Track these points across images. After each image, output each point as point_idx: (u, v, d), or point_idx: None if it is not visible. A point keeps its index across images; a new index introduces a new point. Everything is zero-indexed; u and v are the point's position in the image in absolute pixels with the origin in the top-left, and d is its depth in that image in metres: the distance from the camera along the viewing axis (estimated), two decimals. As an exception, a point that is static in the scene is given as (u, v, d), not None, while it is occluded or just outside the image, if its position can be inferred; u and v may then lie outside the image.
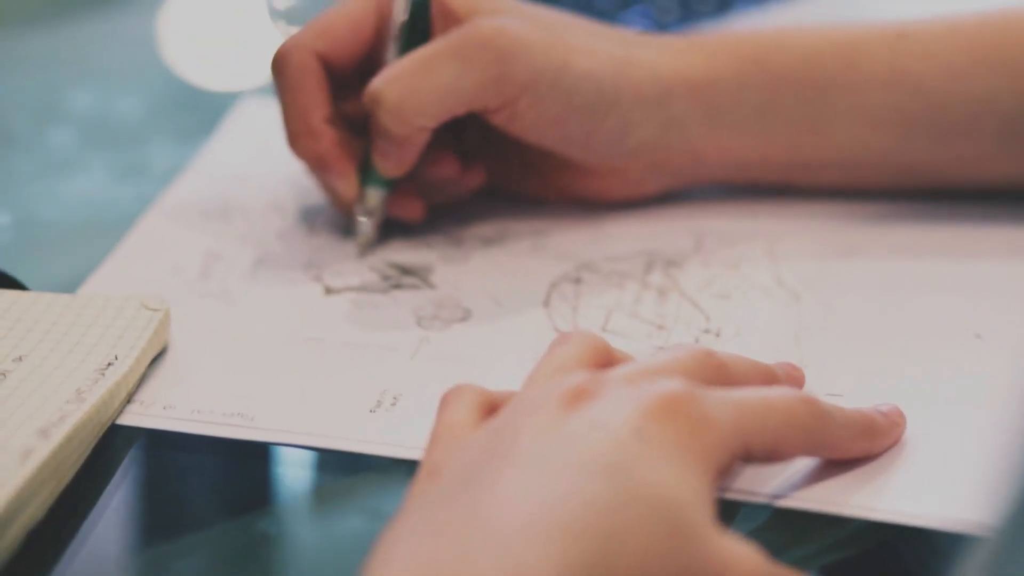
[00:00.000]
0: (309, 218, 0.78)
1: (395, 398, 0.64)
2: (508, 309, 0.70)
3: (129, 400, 0.64)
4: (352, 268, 0.73)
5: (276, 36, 1.02)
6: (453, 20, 0.72)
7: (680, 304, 0.70)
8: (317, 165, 0.73)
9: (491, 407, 0.57)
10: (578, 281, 0.72)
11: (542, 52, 0.70)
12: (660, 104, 0.73)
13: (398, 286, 0.72)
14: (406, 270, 0.73)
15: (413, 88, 0.70)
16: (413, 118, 0.70)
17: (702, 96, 0.73)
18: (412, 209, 0.75)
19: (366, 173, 0.73)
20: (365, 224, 0.74)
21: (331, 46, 0.73)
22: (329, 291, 0.72)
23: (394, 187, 0.74)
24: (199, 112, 0.94)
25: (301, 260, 0.74)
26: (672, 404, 0.52)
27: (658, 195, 0.77)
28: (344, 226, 0.76)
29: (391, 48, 0.73)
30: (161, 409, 0.64)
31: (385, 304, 0.71)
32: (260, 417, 0.63)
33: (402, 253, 0.75)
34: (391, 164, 0.72)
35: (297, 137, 0.73)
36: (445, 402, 0.57)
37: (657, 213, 0.77)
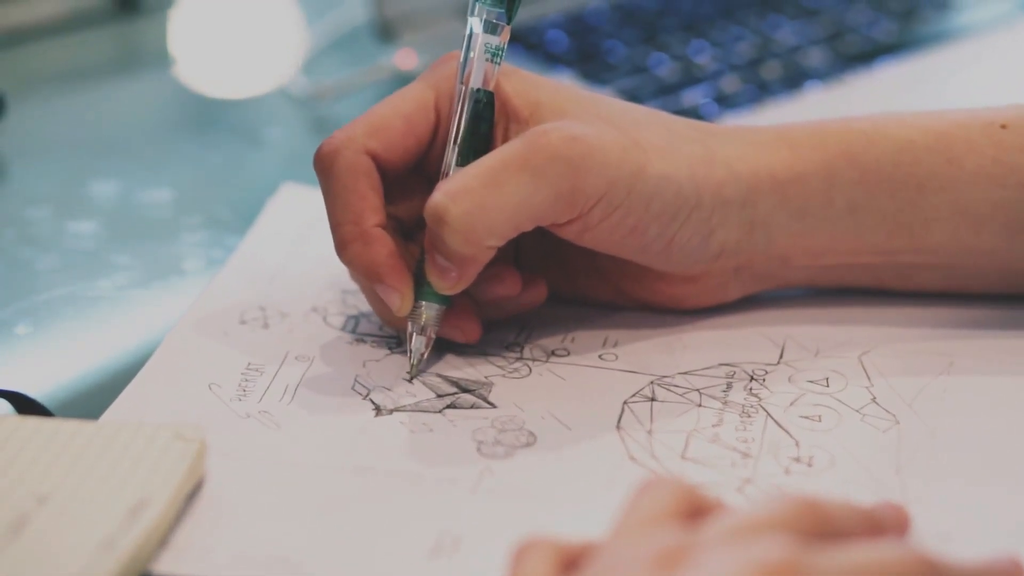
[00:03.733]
0: (353, 322, 0.72)
1: (456, 540, 0.58)
2: (577, 433, 0.64)
3: (162, 543, 0.58)
4: (402, 384, 0.67)
5: (290, 122, 0.98)
6: (516, 120, 0.66)
7: (766, 427, 0.64)
8: (369, 276, 0.67)
9: (569, 562, 0.52)
10: (652, 399, 0.66)
11: (617, 159, 0.64)
12: (743, 204, 0.67)
13: (453, 405, 0.66)
14: (463, 387, 0.67)
15: (481, 205, 0.63)
16: (482, 238, 0.64)
17: (788, 194, 0.67)
18: (468, 331, 0.69)
19: (419, 286, 0.67)
20: (419, 343, 0.67)
21: (384, 145, 0.67)
22: (379, 411, 0.66)
23: (450, 303, 0.68)
24: (231, 199, 0.89)
25: (347, 374, 0.68)
26: (775, 575, 0.47)
27: (738, 300, 0.71)
28: (388, 331, 0.71)
29: (450, 149, 0.67)
30: (198, 554, 0.58)
31: (440, 426, 0.65)
32: (308, 563, 0.57)
33: (457, 367, 0.69)
34: (449, 283, 0.65)
35: (347, 245, 0.67)
36: (518, 558, 0.52)
37: (733, 318, 0.71)
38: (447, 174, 0.66)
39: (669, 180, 0.65)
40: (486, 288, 0.68)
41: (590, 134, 0.64)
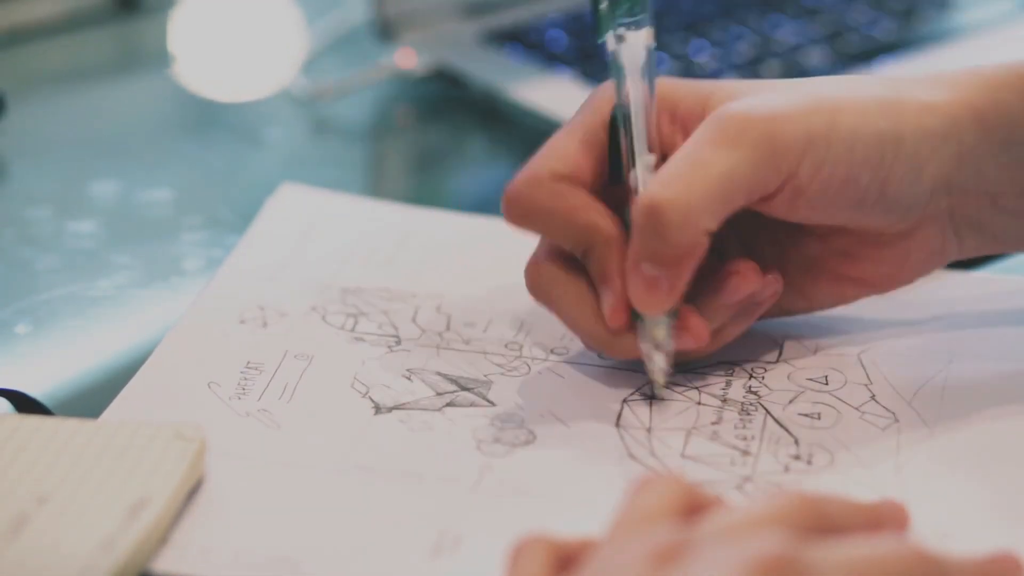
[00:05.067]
0: (352, 321, 0.72)
1: (456, 539, 0.58)
2: (576, 431, 0.64)
3: (162, 542, 0.58)
4: (402, 383, 0.67)
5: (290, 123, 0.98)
6: (691, 120, 0.66)
7: (765, 425, 0.64)
8: (601, 278, 0.65)
9: (566, 560, 0.52)
10: (652, 397, 0.66)
11: (804, 117, 0.63)
12: (946, 137, 0.65)
13: (453, 403, 0.66)
14: (462, 384, 0.67)
15: (690, 186, 0.61)
16: (699, 218, 0.62)
17: (991, 124, 0.65)
18: (696, 330, 0.65)
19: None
20: (660, 360, 0.65)
21: (569, 166, 0.65)
22: (378, 410, 0.66)
23: (676, 315, 0.65)
24: (231, 199, 0.89)
25: (346, 372, 0.68)
26: (773, 570, 0.47)
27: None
28: (387, 329, 0.71)
29: (629, 166, 0.65)
30: (198, 553, 0.58)
31: (440, 424, 0.65)
32: (308, 562, 0.57)
33: (456, 364, 0.69)
34: (659, 295, 0.63)
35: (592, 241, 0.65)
36: (515, 557, 0.52)
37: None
38: (637, 190, 0.64)
39: (864, 122, 0.64)
40: (726, 288, 0.66)
41: (774, 100, 0.63)
